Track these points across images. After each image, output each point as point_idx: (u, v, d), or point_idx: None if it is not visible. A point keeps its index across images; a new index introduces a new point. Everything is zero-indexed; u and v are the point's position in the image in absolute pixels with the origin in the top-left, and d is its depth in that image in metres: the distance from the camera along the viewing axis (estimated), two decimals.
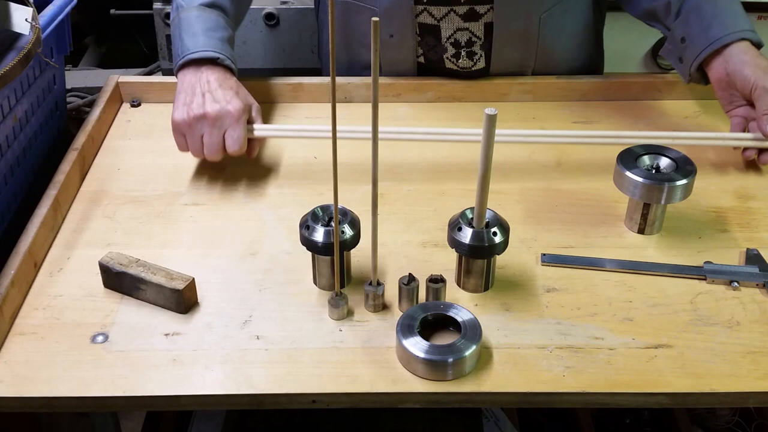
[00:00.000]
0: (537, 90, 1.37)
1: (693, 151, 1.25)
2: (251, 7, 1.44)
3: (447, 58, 1.34)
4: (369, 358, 0.90)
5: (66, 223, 1.11)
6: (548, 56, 1.36)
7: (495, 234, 0.95)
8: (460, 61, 1.34)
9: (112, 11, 2.07)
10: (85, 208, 1.13)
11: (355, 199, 1.07)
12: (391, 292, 0.97)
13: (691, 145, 1.19)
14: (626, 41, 1.80)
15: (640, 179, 1.03)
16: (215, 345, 0.92)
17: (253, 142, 1.17)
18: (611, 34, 1.57)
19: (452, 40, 1.32)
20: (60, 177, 1.13)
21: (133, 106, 1.38)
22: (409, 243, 1.07)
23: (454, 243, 0.96)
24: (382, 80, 1.36)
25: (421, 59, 1.37)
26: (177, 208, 1.14)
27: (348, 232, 0.95)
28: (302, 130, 1.22)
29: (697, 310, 0.96)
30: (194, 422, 1.38)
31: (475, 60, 1.34)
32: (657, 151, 1.07)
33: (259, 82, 1.38)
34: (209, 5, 1.23)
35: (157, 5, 1.75)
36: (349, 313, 0.96)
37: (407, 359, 0.88)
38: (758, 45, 1.15)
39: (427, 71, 1.38)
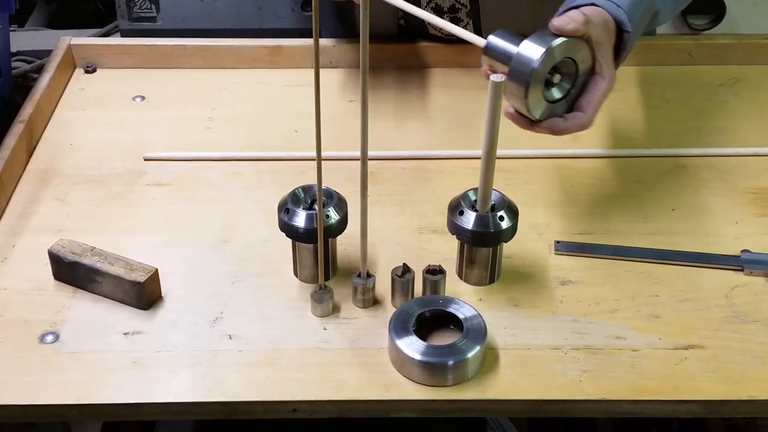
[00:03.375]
0: None
1: (730, 120, 1.26)
2: None
3: (429, 24, 1.35)
4: (357, 361, 0.90)
5: (10, 207, 1.10)
6: None
7: (502, 218, 0.95)
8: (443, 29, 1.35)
9: None
10: (32, 189, 1.13)
11: (341, 178, 1.07)
12: (383, 285, 0.97)
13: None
14: None
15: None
16: (182, 345, 0.92)
17: None
18: None
19: (433, 5, 1.32)
20: (4, 153, 1.12)
21: (87, 72, 1.37)
22: (403, 229, 1.07)
23: (455, 229, 0.96)
24: (372, 44, 1.35)
25: (402, 22, 1.38)
26: (138, 189, 1.13)
27: (333, 216, 0.95)
28: None
29: (733, 305, 0.96)
30: None
31: (461, 27, 1.34)
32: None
33: (232, 45, 1.37)
34: None
35: None
36: (335, 309, 0.96)
37: (401, 362, 0.88)
38: (615, 18, 1.08)
39: (409, 36, 1.38)
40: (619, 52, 1.01)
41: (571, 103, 0.98)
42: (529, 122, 0.96)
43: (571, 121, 0.97)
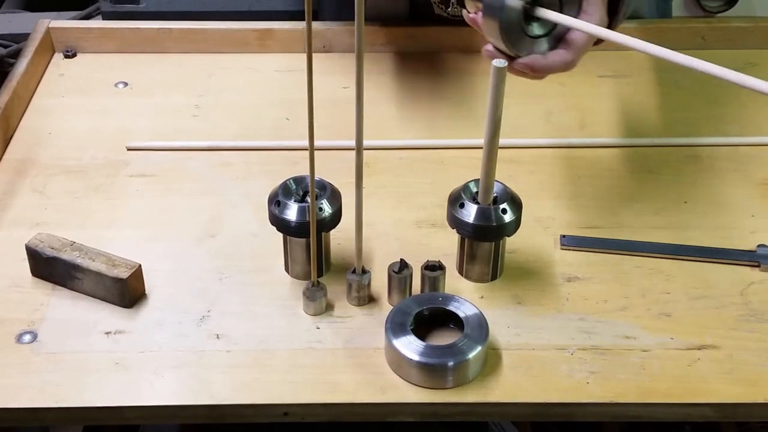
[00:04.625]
0: None
1: (745, 108, 1.26)
2: None
3: (435, 3, 1.35)
4: (352, 362, 0.90)
5: None
6: None
7: (504, 211, 0.94)
8: (449, 8, 1.35)
9: None
10: (8, 180, 1.13)
11: (335, 168, 1.07)
12: (379, 282, 0.97)
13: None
14: None
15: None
16: (166, 346, 0.91)
17: None
18: None
19: None
20: None
21: (67, 56, 1.37)
22: (400, 222, 1.07)
23: (456, 222, 0.96)
24: (368, 27, 1.36)
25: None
26: (120, 180, 1.13)
27: (327, 209, 0.95)
28: None
29: (749, 303, 0.96)
30: None
31: None
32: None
33: (219, 28, 1.37)
34: None
35: None
36: (329, 308, 0.95)
37: (399, 363, 0.88)
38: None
39: (415, 16, 1.37)
40: (616, 6, 0.98)
41: (556, 43, 0.95)
42: (508, 60, 0.91)
43: (551, 58, 0.94)
